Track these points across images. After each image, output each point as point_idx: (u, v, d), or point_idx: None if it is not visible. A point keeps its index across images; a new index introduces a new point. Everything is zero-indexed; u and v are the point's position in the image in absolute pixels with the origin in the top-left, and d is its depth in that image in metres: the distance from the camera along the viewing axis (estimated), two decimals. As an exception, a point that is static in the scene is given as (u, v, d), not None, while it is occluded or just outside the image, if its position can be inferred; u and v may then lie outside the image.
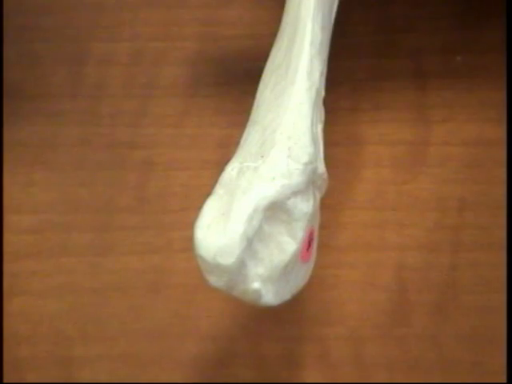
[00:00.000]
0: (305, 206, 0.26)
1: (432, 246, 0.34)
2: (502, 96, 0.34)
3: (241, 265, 0.24)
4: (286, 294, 0.26)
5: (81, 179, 0.34)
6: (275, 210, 0.25)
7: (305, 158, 0.26)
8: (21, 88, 0.35)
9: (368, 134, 0.34)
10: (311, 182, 0.26)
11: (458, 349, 0.33)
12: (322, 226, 0.33)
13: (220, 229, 0.24)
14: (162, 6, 0.35)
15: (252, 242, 0.25)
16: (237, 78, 0.35)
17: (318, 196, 0.27)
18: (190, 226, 0.34)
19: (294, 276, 0.26)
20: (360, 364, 0.33)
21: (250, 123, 0.27)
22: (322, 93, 0.28)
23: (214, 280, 0.25)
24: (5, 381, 0.33)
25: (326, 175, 0.27)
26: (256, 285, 0.25)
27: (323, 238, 0.33)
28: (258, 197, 0.25)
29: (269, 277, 0.25)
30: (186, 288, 0.34)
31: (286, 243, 0.26)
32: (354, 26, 0.35)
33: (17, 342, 0.34)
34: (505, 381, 0.31)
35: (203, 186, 0.34)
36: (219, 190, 0.26)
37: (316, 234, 0.28)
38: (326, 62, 0.28)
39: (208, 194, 0.34)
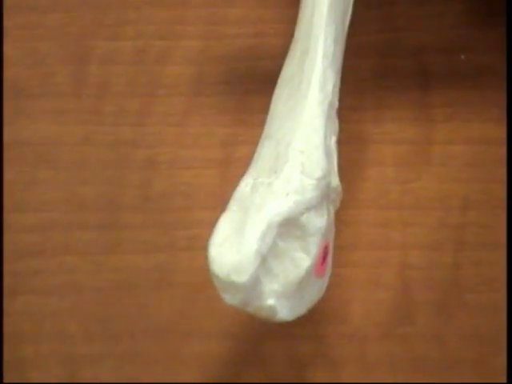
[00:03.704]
0: (319, 221, 0.26)
1: (435, 244, 0.34)
2: (505, 96, 0.34)
3: (255, 282, 0.24)
4: (301, 308, 0.26)
5: (84, 178, 0.34)
6: (289, 225, 0.25)
7: (318, 173, 0.26)
8: (24, 86, 0.35)
9: (371, 132, 0.34)
10: (325, 196, 0.26)
11: (461, 347, 0.33)
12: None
13: (234, 246, 0.24)
14: (166, 5, 0.35)
15: (266, 258, 0.25)
16: (241, 76, 0.35)
17: (332, 210, 0.27)
18: (194, 224, 0.34)
19: (308, 290, 0.26)
20: (364, 363, 0.33)
21: (263, 136, 0.27)
22: (336, 104, 0.28)
23: (229, 298, 0.25)
24: (8, 379, 0.33)
25: (340, 189, 0.27)
26: (271, 301, 0.25)
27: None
28: (272, 213, 0.25)
29: (284, 293, 0.25)
30: (189, 286, 0.34)
31: (301, 259, 0.26)
32: (357, 24, 0.34)
33: (20, 341, 0.34)
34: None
35: (207, 185, 0.34)
36: (233, 207, 0.26)
37: (331, 247, 0.28)
38: (339, 74, 0.28)
39: (211, 192, 0.34)
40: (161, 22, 0.35)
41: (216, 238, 0.25)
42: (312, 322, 0.34)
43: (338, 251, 0.33)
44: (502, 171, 0.34)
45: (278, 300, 0.25)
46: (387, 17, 0.34)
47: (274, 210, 0.25)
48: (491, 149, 0.34)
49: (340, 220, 0.34)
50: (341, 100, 0.34)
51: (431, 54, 0.34)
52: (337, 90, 0.27)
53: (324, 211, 0.26)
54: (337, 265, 0.34)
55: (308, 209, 0.25)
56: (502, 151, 0.34)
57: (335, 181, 0.27)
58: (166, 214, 0.34)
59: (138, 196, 0.34)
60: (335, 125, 0.28)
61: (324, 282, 0.27)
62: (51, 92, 0.35)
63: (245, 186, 0.26)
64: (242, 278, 0.24)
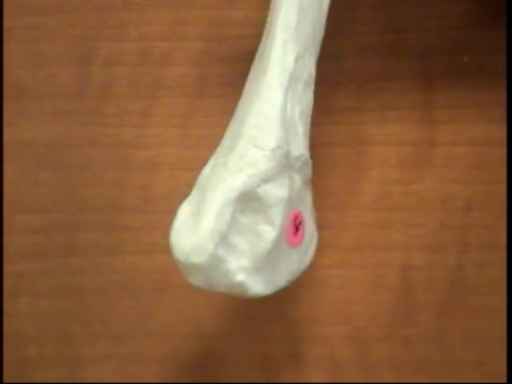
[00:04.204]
0: (278, 192, 0.26)
1: (438, 246, 0.34)
2: (505, 96, 0.33)
3: (216, 261, 0.24)
4: (279, 281, 0.26)
5: (87, 179, 0.34)
6: (247, 200, 0.25)
7: (271, 144, 0.25)
8: (27, 88, 0.35)
9: (374, 134, 0.34)
10: (285, 166, 0.26)
11: (463, 349, 0.33)
12: (328, 227, 0.33)
13: (191, 229, 0.25)
14: (168, 7, 0.35)
15: (227, 236, 0.25)
16: (243, 78, 0.34)
17: (299, 178, 0.27)
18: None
19: (284, 262, 0.26)
20: (365, 364, 0.33)
21: (231, 119, 0.27)
22: (303, 77, 0.27)
23: (193, 280, 0.25)
24: (11, 380, 0.33)
25: (305, 158, 0.27)
26: (240, 277, 0.25)
27: (329, 239, 0.33)
28: (226, 190, 0.25)
29: (253, 267, 0.25)
30: (191, 288, 0.33)
31: (265, 231, 0.26)
32: (361, 26, 0.34)
33: (23, 342, 0.34)
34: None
35: (209, 186, 0.34)
36: (193, 192, 0.26)
37: (307, 216, 0.27)
38: (310, 45, 0.27)
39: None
40: (163, 23, 0.35)
41: (175, 223, 0.25)
42: (314, 323, 0.34)
43: (341, 252, 0.34)
44: (505, 172, 0.33)
45: (249, 275, 0.25)
46: (390, 18, 0.34)
47: (227, 186, 0.25)
48: (494, 150, 0.34)
49: (342, 221, 0.34)
50: (344, 101, 0.34)
51: (434, 55, 0.34)
52: (306, 62, 0.27)
53: (285, 181, 0.26)
54: (339, 266, 0.34)
55: (264, 180, 0.25)
56: (505, 152, 0.34)
57: (298, 150, 0.27)
58: (168, 215, 0.34)
59: (140, 197, 0.34)
60: (303, 96, 0.27)
61: (304, 251, 0.27)
62: (54, 93, 0.35)
63: (206, 169, 0.26)
64: (201, 258, 0.24)
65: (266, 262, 0.26)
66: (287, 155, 0.26)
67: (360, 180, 0.34)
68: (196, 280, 0.25)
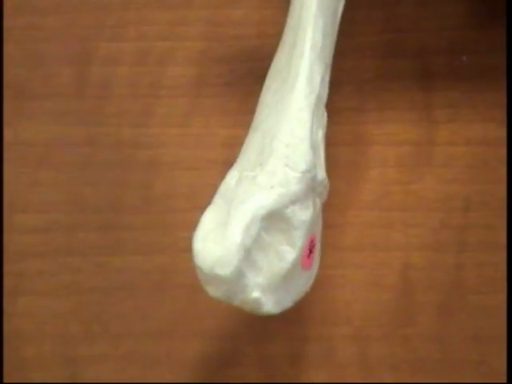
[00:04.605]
0: (304, 214, 0.26)
1: (437, 245, 0.34)
2: (505, 97, 0.33)
3: (239, 275, 0.25)
4: (287, 301, 0.27)
5: (86, 179, 0.34)
6: (273, 218, 0.25)
7: (303, 166, 0.26)
8: (26, 88, 0.35)
9: (373, 134, 0.34)
10: (310, 189, 0.26)
11: (463, 349, 0.33)
12: (328, 226, 0.33)
13: (217, 239, 0.25)
14: (168, 6, 0.35)
15: (250, 251, 0.25)
16: (242, 77, 0.34)
17: (319, 202, 0.27)
18: (195, 225, 0.34)
19: (294, 284, 0.27)
20: (365, 364, 0.33)
21: (251, 129, 0.27)
22: (324, 98, 0.27)
23: (213, 290, 0.25)
24: (10, 380, 0.33)
25: (326, 181, 0.27)
26: (256, 294, 0.25)
27: (329, 239, 0.33)
28: (256, 206, 0.25)
29: (269, 286, 0.25)
30: (191, 288, 0.33)
31: (286, 252, 0.26)
32: (360, 25, 0.35)
33: (22, 342, 0.34)
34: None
35: (208, 186, 0.34)
36: (218, 200, 0.26)
37: (318, 240, 0.28)
38: (329, 67, 0.28)
39: (213, 193, 0.34)
40: (163, 23, 0.35)
41: (200, 231, 0.25)
42: (314, 322, 0.34)
43: (340, 252, 0.34)
44: (504, 172, 0.34)
45: (263, 293, 0.25)
46: (389, 18, 0.34)
47: (257, 202, 0.25)
48: (493, 150, 0.34)
49: (342, 221, 0.34)
50: (343, 101, 0.34)
51: (433, 55, 0.34)
52: (325, 83, 0.27)
53: (309, 204, 0.26)
54: (339, 266, 0.34)
55: (293, 202, 0.25)
56: (504, 152, 0.34)
57: (321, 174, 0.27)
58: (168, 215, 0.34)
59: (139, 197, 0.34)
60: (323, 118, 0.28)
61: (311, 274, 0.27)
62: (53, 93, 0.35)
63: (230, 179, 0.26)
64: (226, 270, 0.24)
65: (281, 282, 0.26)
66: (314, 179, 0.26)
67: (359, 180, 0.34)
68: (215, 291, 0.25)
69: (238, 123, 0.34)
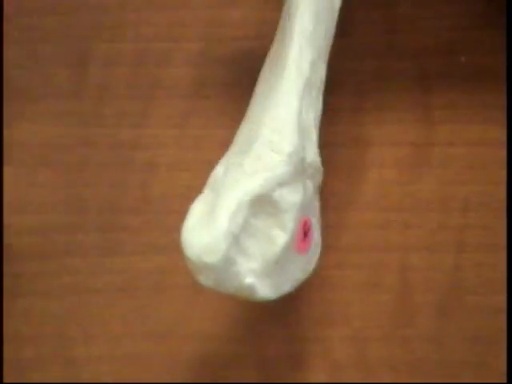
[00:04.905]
0: (293, 197, 0.26)
1: (436, 246, 0.34)
2: (505, 97, 0.34)
3: (228, 262, 0.25)
4: (284, 286, 0.27)
5: (84, 180, 0.34)
6: (261, 203, 0.25)
7: (288, 149, 0.26)
8: (25, 89, 0.35)
9: (372, 134, 0.34)
10: (299, 172, 0.26)
11: (461, 349, 0.33)
12: (326, 227, 0.33)
13: (204, 228, 0.25)
14: (166, 7, 0.35)
15: (239, 238, 0.25)
16: (241, 78, 0.34)
17: (311, 185, 0.27)
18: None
19: (291, 268, 0.27)
20: (364, 365, 0.33)
21: (243, 120, 0.27)
22: (317, 82, 0.27)
23: (203, 279, 0.25)
24: (8, 381, 0.33)
25: (318, 164, 0.27)
26: (249, 280, 0.25)
27: (327, 239, 0.33)
28: (241, 192, 0.25)
29: (262, 271, 0.25)
30: (189, 289, 0.34)
31: (276, 236, 0.26)
32: (358, 26, 0.35)
33: (20, 343, 0.34)
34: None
35: (207, 187, 0.34)
36: (206, 191, 0.26)
37: (315, 223, 0.27)
38: (322, 51, 0.28)
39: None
40: (161, 24, 0.35)
41: (188, 221, 0.25)
42: (312, 323, 0.34)
43: (339, 253, 0.34)
44: (502, 173, 0.34)
45: (257, 279, 0.25)
46: (387, 19, 0.34)
47: (243, 188, 0.25)
48: (491, 150, 0.34)
49: (340, 222, 0.34)
50: (341, 102, 0.34)
51: (431, 56, 0.34)
52: (318, 68, 0.27)
53: (299, 187, 0.26)
54: (337, 266, 0.34)
55: (280, 185, 0.25)
56: (502, 153, 0.34)
57: (311, 156, 0.27)
58: (166, 215, 0.34)
59: (137, 198, 0.34)
60: (317, 101, 0.27)
61: (310, 259, 0.27)
62: (51, 94, 0.35)
63: (219, 169, 0.26)
64: (213, 258, 0.24)
65: (275, 266, 0.26)
66: (302, 161, 0.26)
67: (358, 180, 0.34)
68: (205, 279, 0.25)
69: (236, 124, 0.34)
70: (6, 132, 0.34)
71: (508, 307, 0.31)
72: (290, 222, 0.26)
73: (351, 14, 0.34)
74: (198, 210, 0.26)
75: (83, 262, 0.34)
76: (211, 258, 0.24)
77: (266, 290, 0.26)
